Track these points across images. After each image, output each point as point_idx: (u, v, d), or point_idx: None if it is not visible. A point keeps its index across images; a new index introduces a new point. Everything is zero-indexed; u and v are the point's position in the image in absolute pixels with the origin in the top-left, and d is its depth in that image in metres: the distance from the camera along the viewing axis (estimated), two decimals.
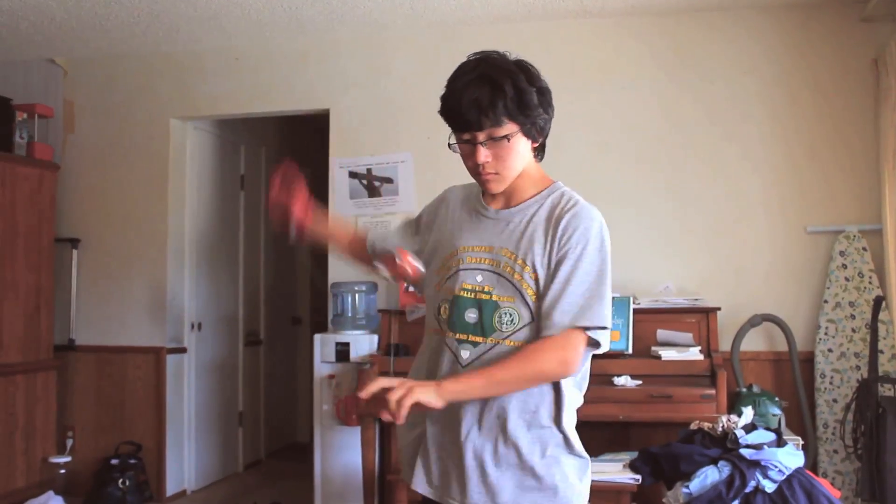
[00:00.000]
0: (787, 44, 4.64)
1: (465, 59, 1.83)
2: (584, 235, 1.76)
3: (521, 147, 1.82)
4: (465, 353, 1.80)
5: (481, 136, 1.77)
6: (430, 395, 1.64)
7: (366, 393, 1.65)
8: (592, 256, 1.76)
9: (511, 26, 4.89)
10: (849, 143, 4.55)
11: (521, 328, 1.77)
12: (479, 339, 1.79)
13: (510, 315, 1.77)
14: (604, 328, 1.76)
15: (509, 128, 1.77)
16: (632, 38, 4.79)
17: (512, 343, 1.76)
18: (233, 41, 5.25)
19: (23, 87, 5.53)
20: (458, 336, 1.81)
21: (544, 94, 1.82)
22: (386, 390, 1.65)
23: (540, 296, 1.76)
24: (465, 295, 1.81)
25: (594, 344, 1.78)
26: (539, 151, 1.91)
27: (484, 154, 1.79)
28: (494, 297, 1.79)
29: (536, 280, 1.77)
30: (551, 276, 1.76)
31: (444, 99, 1.81)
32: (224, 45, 5.30)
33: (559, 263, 1.75)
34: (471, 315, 1.80)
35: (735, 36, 4.68)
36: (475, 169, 1.83)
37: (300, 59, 5.21)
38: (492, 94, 1.74)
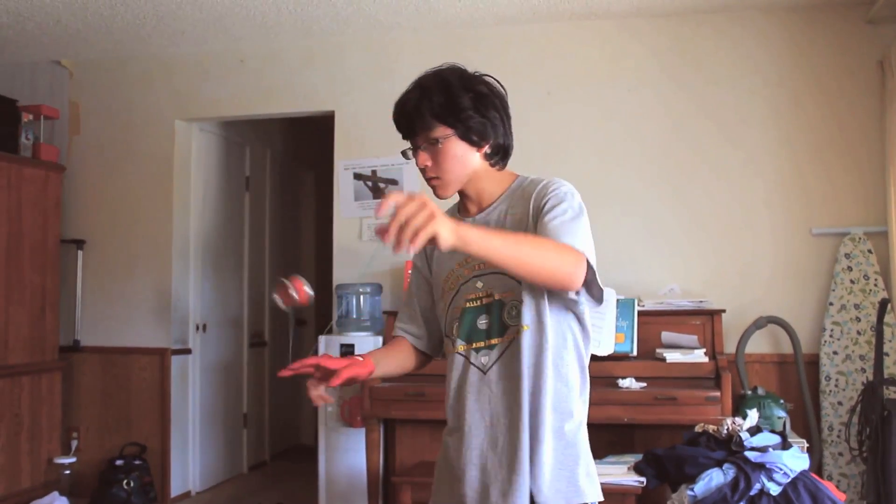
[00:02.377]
0: (791, 46, 4.63)
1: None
2: (555, 192, 1.78)
3: (458, 151, 1.83)
4: (485, 359, 1.81)
5: (420, 141, 1.84)
6: (447, 231, 1.45)
7: (383, 212, 1.46)
8: (567, 203, 1.75)
9: (516, 28, 4.89)
10: (854, 145, 4.54)
11: (522, 321, 1.78)
12: (495, 340, 1.80)
13: (515, 307, 1.78)
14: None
15: (441, 131, 1.81)
16: (636, 40, 4.79)
17: (527, 327, 1.77)
18: (238, 43, 5.26)
19: (29, 88, 5.55)
20: (475, 345, 1.82)
21: (482, 99, 1.83)
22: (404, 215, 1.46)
23: None
24: (472, 305, 1.84)
25: (598, 298, 1.77)
26: (495, 159, 1.89)
27: (423, 158, 1.85)
28: (498, 297, 1.81)
29: None
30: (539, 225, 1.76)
31: None
32: (229, 47, 5.31)
33: (541, 216, 1.75)
34: (482, 322, 1.82)
35: (740, 38, 4.68)
36: (423, 175, 1.88)
37: (305, 61, 5.22)
38: (418, 99, 1.81)
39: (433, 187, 1.89)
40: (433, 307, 2.01)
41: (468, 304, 1.84)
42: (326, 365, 1.78)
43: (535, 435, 1.76)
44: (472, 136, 1.83)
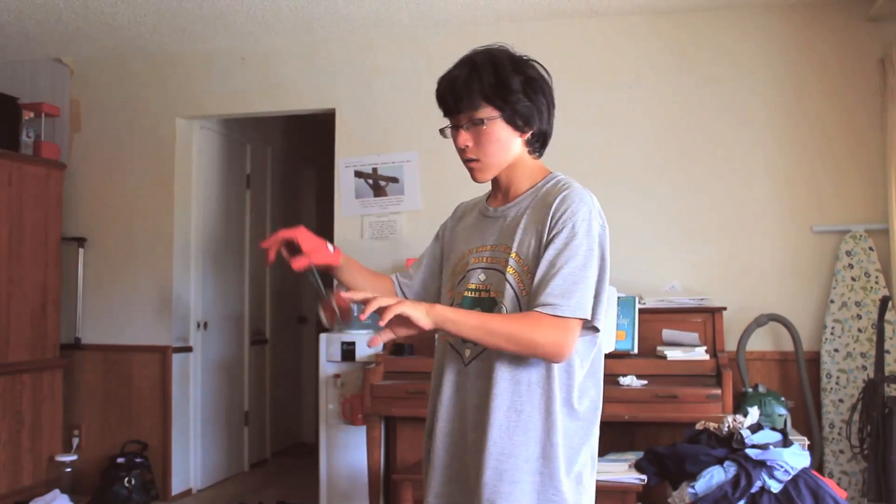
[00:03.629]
0: (794, 42, 4.63)
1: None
2: (571, 218, 1.71)
3: (502, 134, 1.80)
4: (468, 352, 1.80)
5: (463, 120, 1.80)
6: (419, 312, 1.60)
7: (352, 296, 1.62)
8: (580, 240, 1.70)
9: (517, 25, 4.89)
10: (855, 142, 4.54)
11: None
12: None
13: (503, 311, 1.75)
14: (584, 319, 1.70)
15: (487, 112, 1.77)
16: (638, 37, 4.79)
17: None
18: (239, 40, 5.26)
19: (30, 86, 5.55)
20: None
21: (531, 83, 1.79)
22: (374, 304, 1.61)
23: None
24: (470, 294, 1.82)
25: (592, 328, 1.75)
26: (535, 146, 1.87)
27: (464, 138, 1.80)
28: (493, 294, 1.79)
29: (529, 273, 1.74)
30: (540, 258, 1.71)
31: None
32: (230, 45, 5.31)
33: (548, 245, 1.71)
34: None
35: (742, 34, 4.68)
36: (461, 155, 1.84)
37: (306, 59, 5.22)
38: (468, 76, 1.76)
39: (471, 170, 1.84)
40: (434, 280, 2.01)
41: (467, 293, 1.82)
42: (298, 242, 1.85)
43: (501, 449, 1.73)
44: (517, 121, 1.79)
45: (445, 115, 1.84)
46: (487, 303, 1.79)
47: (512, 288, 1.76)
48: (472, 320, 1.65)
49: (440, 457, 1.84)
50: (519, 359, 1.73)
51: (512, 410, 1.73)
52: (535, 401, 1.74)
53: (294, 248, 1.86)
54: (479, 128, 1.78)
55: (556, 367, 1.74)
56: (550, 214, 1.74)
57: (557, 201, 1.75)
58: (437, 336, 1.94)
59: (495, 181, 1.88)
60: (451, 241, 1.98)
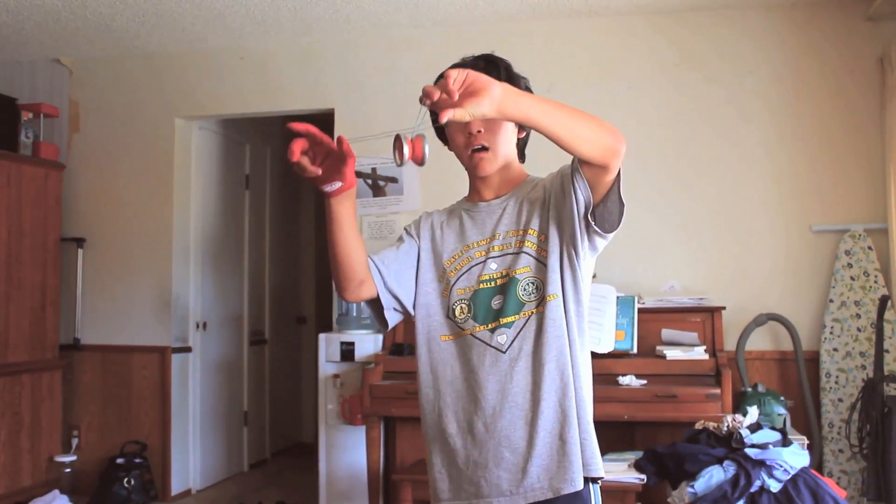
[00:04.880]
0: (792, 42, 4.63)
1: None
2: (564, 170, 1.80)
3: (509, 127, 1.88)
4: (503, 338, 1.79)
5: None
6: (499, 91, 1.50)
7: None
8: None
9: (516, 25, 4.89)
10: (854, 141, 4.54)
11: (548, 292, 1.77)
12: (511, 318, 1.78)
13: (532, 283, 1.78)
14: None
15: None
16: (637, 37, 4.79)
17: (545, 305, 1.76)
18: (238, 40, 5.25)
19: (28, 86, 5.55)
20: (489, 326, 1.80)
21: (528, 88, 1.92)
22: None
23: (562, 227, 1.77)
24: (485, 286, 1.82)
25: (618, 217, 1.75)
26: (522, 148, 1.98)
27: (476, 123, 1.83)
28: (512, 274, 1.80)
29: (546, 241, 1.79)
30: (555, 212, 1.79)
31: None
32: (229, 45, 5.31)
33: (555, 194, 1.79)
34: (496, 302, 1.80)
35: (740, 34, 4.68)
36: (466, 144, 1.85)
37: (305, 59, 5.22)
38: (486, 68, 1.82)
39: (479, 159, 1.86)
40: (406, 279, 1.92)
41: (481, 286, 1.83)
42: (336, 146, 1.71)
43: (563, 411, 1.75)
44: None
45: None
46: (511, 283, 1.79)
47: (529, 255, 1.80)
48: (536, 99, 1.59)
49: (492, 454, 1.79)
50: (567, 323, 1.77)
51: (560, 375, 1.77)
52: (583, 363, 1.81)
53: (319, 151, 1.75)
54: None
55: (584, 323, 1.79)
56: (548, 183, 1.84)
57: (549, 175, 1.85)
58: (440, 334, 1.89)
59: (485, 179, 1.90)
60: (441, 239, 1.94)
